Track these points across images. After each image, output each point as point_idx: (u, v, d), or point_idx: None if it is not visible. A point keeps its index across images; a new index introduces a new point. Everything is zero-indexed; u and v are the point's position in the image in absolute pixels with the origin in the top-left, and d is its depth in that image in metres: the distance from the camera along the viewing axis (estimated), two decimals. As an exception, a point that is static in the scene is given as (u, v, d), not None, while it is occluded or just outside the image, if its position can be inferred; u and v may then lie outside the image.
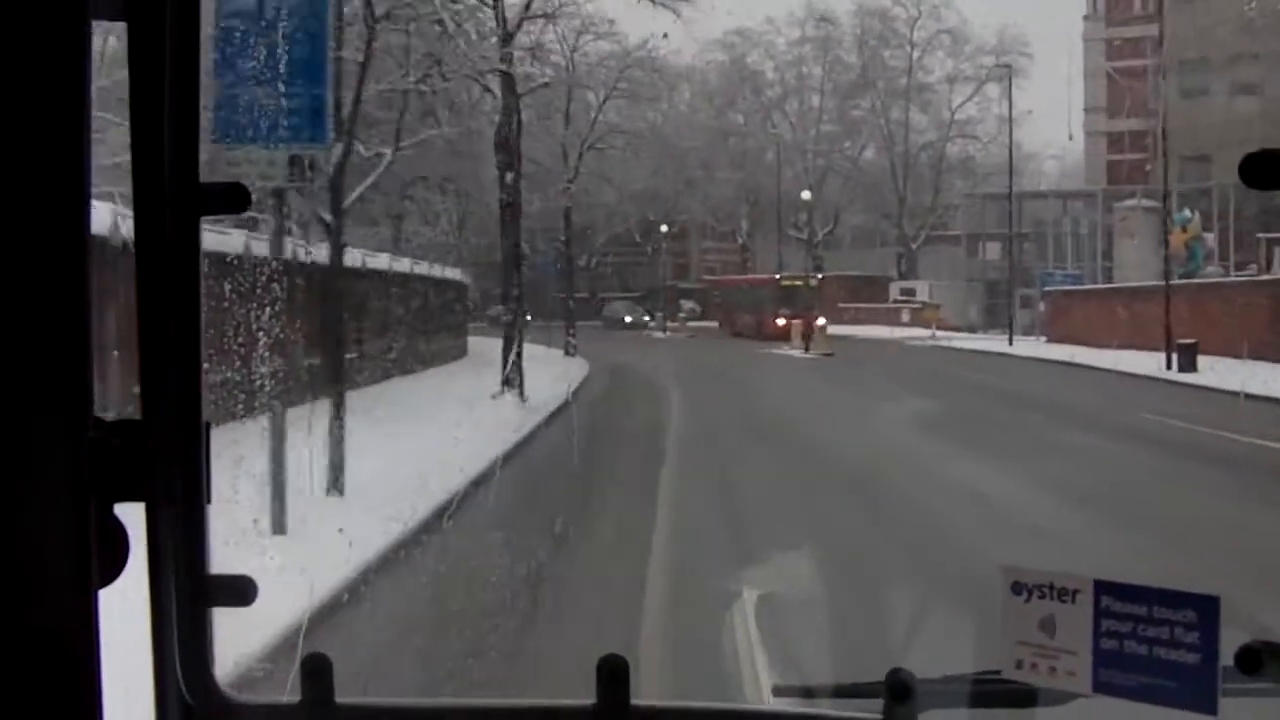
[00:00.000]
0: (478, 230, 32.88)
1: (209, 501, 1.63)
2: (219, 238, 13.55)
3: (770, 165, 56.35)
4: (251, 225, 14.09)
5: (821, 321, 41.05)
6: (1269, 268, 40.68)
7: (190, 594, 1.63)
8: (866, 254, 59.67)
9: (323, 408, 12.35)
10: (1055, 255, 54.01)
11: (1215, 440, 17.36)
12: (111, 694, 1.46)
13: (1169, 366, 28.41)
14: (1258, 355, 26.24)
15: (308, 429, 11.54)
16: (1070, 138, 57.72)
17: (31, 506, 1.41)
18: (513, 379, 21.88)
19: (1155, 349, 29.65)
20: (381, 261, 24.69)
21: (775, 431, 18.80)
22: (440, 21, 21.97)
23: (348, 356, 19.46)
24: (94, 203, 1.48)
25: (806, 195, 54.57)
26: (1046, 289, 45.89)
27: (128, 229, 1.63)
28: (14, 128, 1.39)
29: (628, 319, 51.63)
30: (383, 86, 20.61)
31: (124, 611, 1.64)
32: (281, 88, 8.79)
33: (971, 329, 49.26)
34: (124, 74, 1.50)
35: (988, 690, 1.84)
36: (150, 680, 1.63)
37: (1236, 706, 1.60)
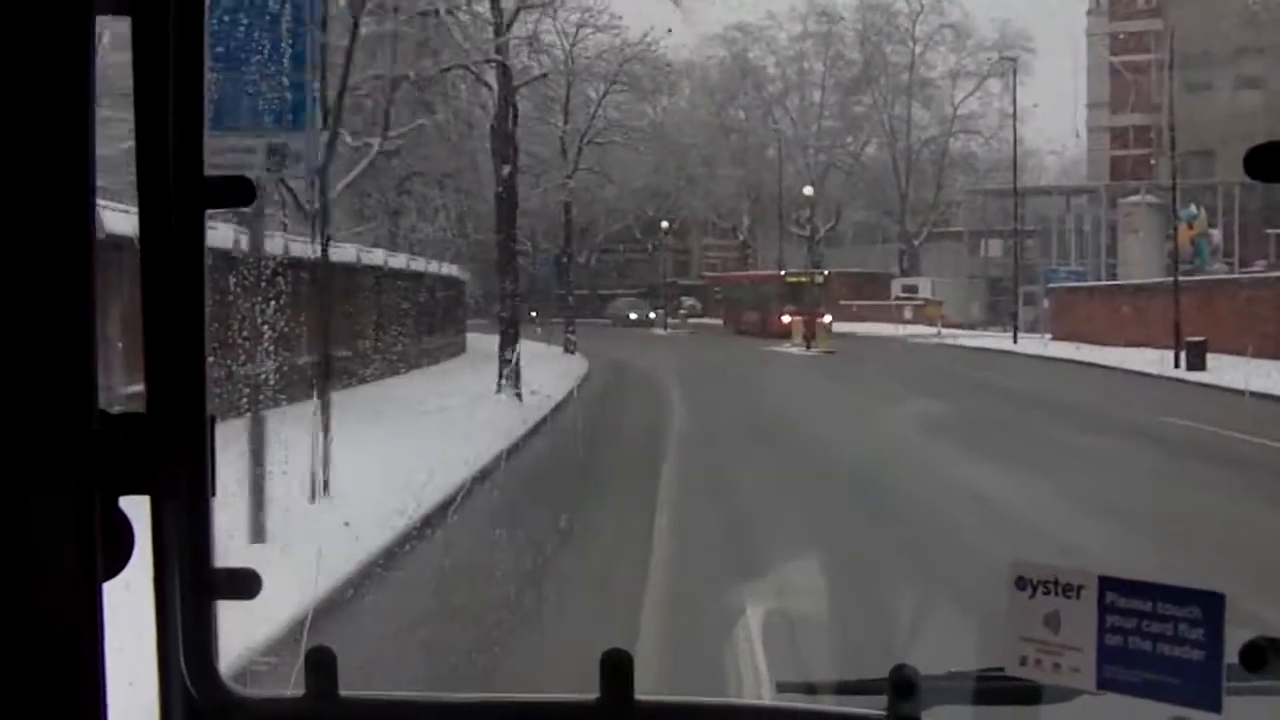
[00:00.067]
0: (477, 226, 32.57)
1: (213, 495, 1.64)
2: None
3: (771, 161, 56.22)
4: (240, 218, 13.68)
5: (827, 319, 40.76)
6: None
7: (194, 587, 1.64)
8: (868, 250, 59.53)
9: (314, 407, 12.00)
10: (1059, 252, 53.79)
11: (1241, 445, 16.77)
12: (116, 686, 1.46)
13: (1177, 364, 28.05)
14: (1269, 353, 25.90)
15: (296, 430, 11.21)
16: (1077, 135, 57.43)
17: (36, 499, 1.41)
18: (510, 378, 21.51)
19: (1161, 346, 29.28)
20: (377, 257, 24.32)
21: (776, 433, 18.50)
22: (434, 11, 21.56)
23: (342, 354, 19.15)
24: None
25: (808, 191, 54.41)
26: (1051, 286, 45.64)
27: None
28: (18, 122, 1.39)
29: (632, 316, 51.43)
30: (369, 74, 20.15)
31: (129, 604, 1.63)
32: (258, 72, 8.41)
33: (973, 326, 49.01)
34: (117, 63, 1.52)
35: (991, 687, 1.84)
36: (154, 673, 1.64)
37: (1241, 704, 1.59)
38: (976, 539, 10.71)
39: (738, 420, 20.18)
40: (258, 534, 9.09)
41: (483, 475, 12.57)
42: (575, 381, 24.85)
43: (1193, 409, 20.68)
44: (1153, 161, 51.95)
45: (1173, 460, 15.98)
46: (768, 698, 3.76)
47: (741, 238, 60.65)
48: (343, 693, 1.75)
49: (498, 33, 22.59)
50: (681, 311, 53.87)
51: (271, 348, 10.18)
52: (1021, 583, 1.63)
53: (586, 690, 1.74)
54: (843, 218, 59.07)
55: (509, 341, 22.57)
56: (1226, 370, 24.79)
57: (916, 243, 58.36)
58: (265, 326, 9.46)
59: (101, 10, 1.46)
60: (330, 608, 7.32)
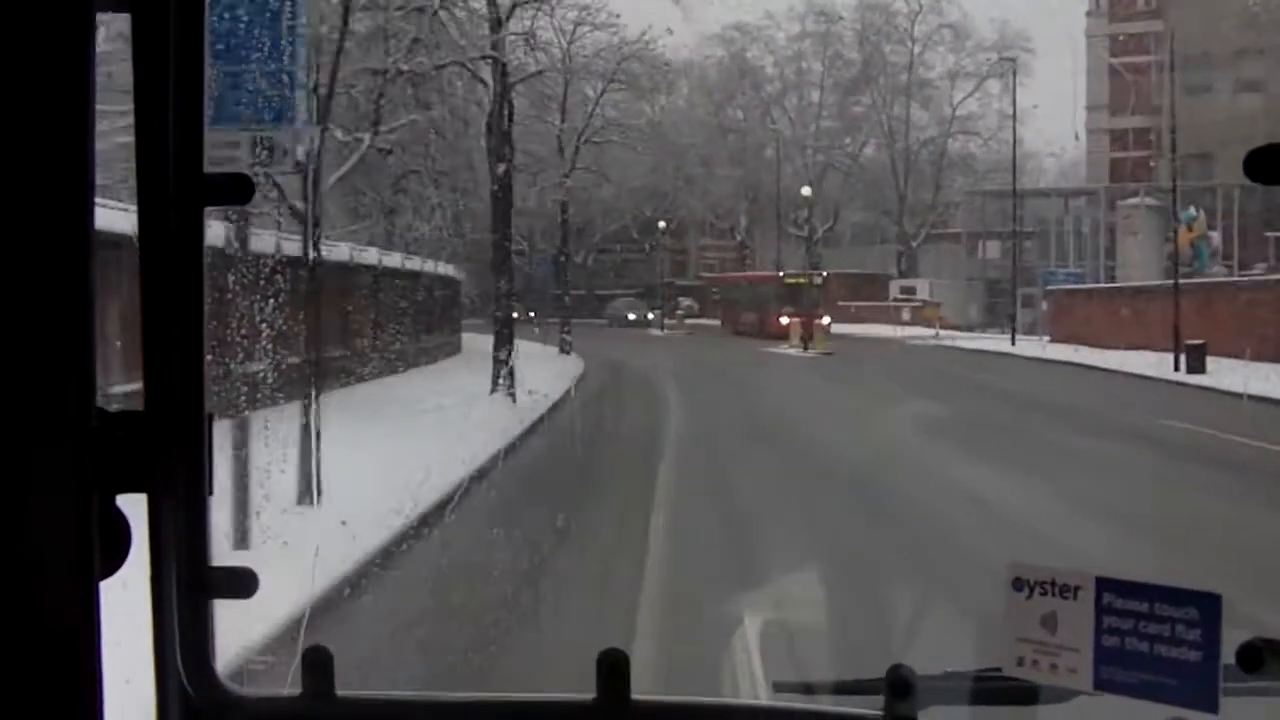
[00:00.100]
0: (474, 226, 32.41)
1: (211, 493, 1.64)
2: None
3: (770, 161, 56.12)
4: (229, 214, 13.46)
5: (826, 320, 40.61)
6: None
7: (191, 585, 1.65)
8: (866, 251, 59.39)
9: (303, 408, 11.79)
10: (1057, 254, 53.65)
11: (1242, 449, 16.51)
12: (112, 685, 1.45)
13: (1177, 368, 27.88)
14: (1269, 356, 25.73)
15: (287, 430, 11.03)
16: (1076, 137, 57.29)
17: (34, 498, 1.41)
18: (504, 379, 21.30)
19: (1161, 349, 29.10)
20: (371, 256, 24.13)
21: (772, 434, 18.34)
22: (430, 7, 21.34)
23: (335, 354, 18.97)
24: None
25: (806, 192, 54.29)
26: (1049, 288, 45.51)
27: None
28: (18, 119, 1.38)
29: (631, 316, 51.30)
30: (359, 67, 19.91)
31: (125, 602, 1.63)
32: (244, 65, 8.20)
33: (971, 328, 48.88)
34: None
35: (988, 687, 1.85)
36: (151, 671, 1.64)
37: (1238, 705, 1.59)
38: (974, 541, 10.55)
39: (733, 422, 20.01)
40: (241, 539, 8.87)
41: (480, 474, 12.35)
42: (570, 382, 24.71)
43: (1194, 412, 20.50)
44: (1152, 164, 51.81)
45: (1175, 464, 15.81)
46: (764, 697, 3.74)
47: (739, 238, 60.53)
48: (339, 692, 1.76)
49: (493, 29, 22.40)
50: (679, 312, 53.75)
51: (261, 346, 10.01)
52: (1019, 583, 1.64)
53: (583, 690, 1.74)
54: (841, 218, 58.90)
55: (503, 342, 22.39)
56: (1226, 373, 24.58)
57: (915, 244, 58.21)
58: (252, 325, 9.27)
59: (102, 7, 1.46)
60: (312, 620, 7.10)
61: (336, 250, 21.02)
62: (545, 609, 8.46)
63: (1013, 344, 39.84)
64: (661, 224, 52.63)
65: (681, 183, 52.10)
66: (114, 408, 1.48)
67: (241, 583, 1.70)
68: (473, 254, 33.57)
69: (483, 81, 23.65)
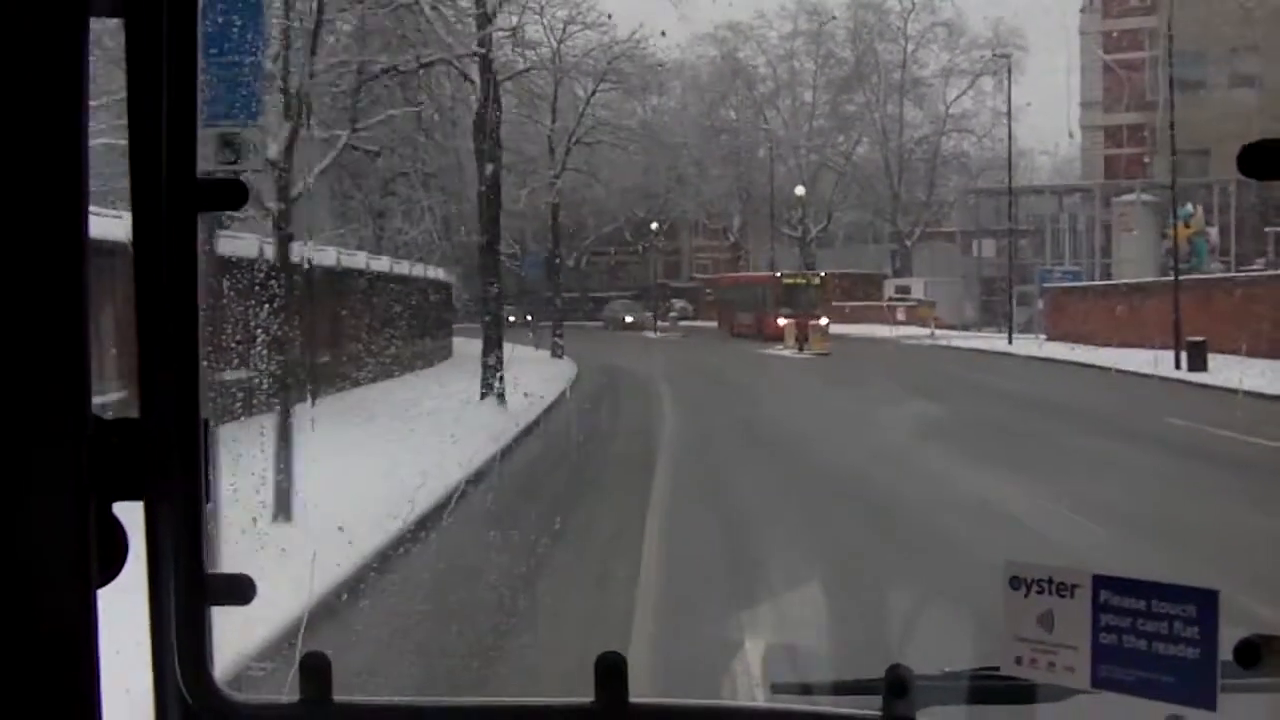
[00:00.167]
0: (466, 229, 32.09)
1: (208, 500, 1.66)
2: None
3: (763, 161, 55.90)
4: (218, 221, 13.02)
5: (824, 321, 40.34)
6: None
7: (189, 593, 1.66)
8: (860, 251, 59.19)
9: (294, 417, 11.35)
10: (1052, 252, 53.48)
11: (1249, 449, 16.10)
12: (111, 692, 1.45)
13: (1178, 365, 27.54)
14: (1265, 353, 25.45)
15: (264, 442, 10.64)
16: (1071, 134, 57.02)
17: (31, 505, 1.41)
18: (493, 384, 20.87)
19: (1159, 346, 28.74)
20: (358, 260, 23.72)
21: (773, 435, 17.99)
22: (414, 3, 20.90)
23: (320, 360, 18.54)
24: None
25: (800, 192, 54.08)
26: (1045, 286, 45.29)
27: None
28: (13, 125, 1.38)
29: (628, 319, 50.92)
30: (334, 60, 19.44)
31: (123, 610, 1.62)
32: (207, 59, 7.74)
33: (966, 327, 48.65)
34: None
35: (986, 686, 1.85)
36: (149, 678, 1.65)
37: (1236, 701, 1.59)
38: (975, 544, 10.20)
39: (730, 424, 19.71)
40: (211, 561, 8.40)
41: (446, 502, 11.78)
42: (563, 386, 24.34)
43: (1201, 411, 20.08)
44: (1147, 160, 51.59)
45: (1191, 467, 15.31)
46: (762, 699, 3.68)
47: (733, 239, 60.25)
48: (336, 698, 1.78)
49: (480, 25, 21.98)
50: (672, 314, 53.41)
51: (236, 353, 9.62)
52: (1016, 582, 1.64)
53: (581, 693, 1.75)
54: (834, 218, 58.63)
55: (492, 346, 21.99)
56: (1229, 371, 24.22)
57: (909, 243, 58.01)
58: (226, 335, 8.87)
59: (95, 13, 1.45)
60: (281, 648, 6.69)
61: (323, 254, 20.62)
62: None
63: (1009, 343, 39.65)
64: (654, 225, 52.33)
65: (674, 183, 51.79)
66: (109, 415, 1.47)
67: (239, 589, 1.71)
68: (463, 257, 33.29)
69: (469, 79, 23.22)
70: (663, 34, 49.06)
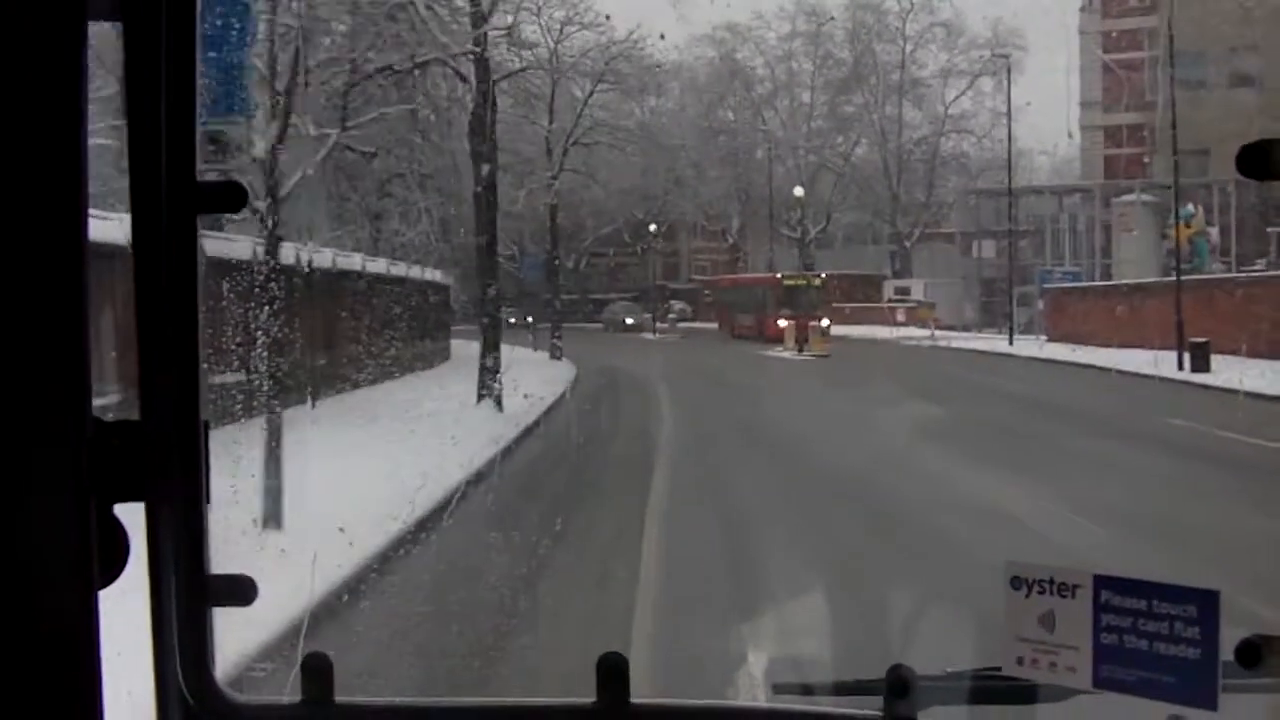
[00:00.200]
0: (464, 230, 32.03)
1: (208, 501, 1.66)
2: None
3: (761, 163, 55.85)
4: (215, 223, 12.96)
5: (824, 322, 40.29)
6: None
7: (190, 594, 1.66)
8: (860, 252, 59.14)
9: (288, 421, 11.28)
10: (1052, 252, 53.43)
11: (1259, 452, 16.02)
12: (112, 694, 1.45)
13: (1181, 366, 27.47)
14: (1266, 353, 25.39)
15: (255, 446, 10.57)
16: (1070, 134, 56.95)
17: (32, 507, 1.41)
18: (490, 387, 20.79)
19: (1161, 347, 28.66)
20: (354, 262, 23.64)
21: (773, 443, 17.93)
22: (410, 3, 20.83)
23: (319, 363, 18.49)
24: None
25: (798, 193, 53.99)
26: (1046, 286, 45.23)
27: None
28: (12, 128, 1.39)
29: (627, 320, 50.84)
30: (325, 57, 19.36)
31: (124, 611, 1.62)
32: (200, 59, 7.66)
33: (966, 328, 48.61)
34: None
35: (988, 686, 1.85)
36: (150, 680, 1.65)
37: (1237, 701, 1.59)
38: (976, 546, 10.11)
39: (730, 425, 19.67)
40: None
41: (441, 510, 11.66)
42: (562, 388, 24.29)
43: (1207, 413, 19.97)
44: (1147, 160, 51.53)
45: (1199, 470, 15.20)
46: (763, 699, 3.64)
47: (731, 240, 60.19)
48: (338, 699, 1.78)
49: (475, 24, 21.91)
50: (670, 315, 53.31)
51: (224, 356, 9.56)
52: (1017, 582, 1.64)
53: (582, 694, 1.75)
54: (833, 219, 58.57)
55: (489, 349, 21.91)
56: (1230, 371, 24.15)
57: (908, 244, 57.95)
58: (215, 333, 8.80)
59: (94, 16, 1.45)
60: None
61: (320, 256, 20.57)
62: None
63: (1010, 344, 39.55)
64: (653, 227, 52.27)
65: (672, 185, 51.71)
66: (110, 417, 1.48)
67: (240, 590, 1.71)
68: (461, 259, 33.22)
69: (464, 79, 23.15)
70: (661, 37, 49.00)
